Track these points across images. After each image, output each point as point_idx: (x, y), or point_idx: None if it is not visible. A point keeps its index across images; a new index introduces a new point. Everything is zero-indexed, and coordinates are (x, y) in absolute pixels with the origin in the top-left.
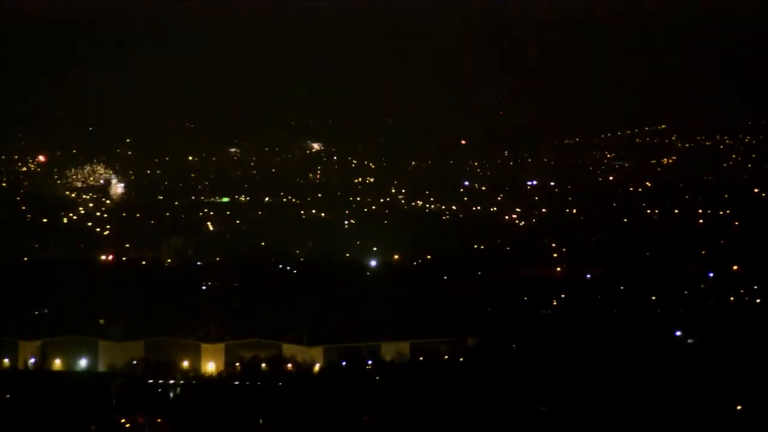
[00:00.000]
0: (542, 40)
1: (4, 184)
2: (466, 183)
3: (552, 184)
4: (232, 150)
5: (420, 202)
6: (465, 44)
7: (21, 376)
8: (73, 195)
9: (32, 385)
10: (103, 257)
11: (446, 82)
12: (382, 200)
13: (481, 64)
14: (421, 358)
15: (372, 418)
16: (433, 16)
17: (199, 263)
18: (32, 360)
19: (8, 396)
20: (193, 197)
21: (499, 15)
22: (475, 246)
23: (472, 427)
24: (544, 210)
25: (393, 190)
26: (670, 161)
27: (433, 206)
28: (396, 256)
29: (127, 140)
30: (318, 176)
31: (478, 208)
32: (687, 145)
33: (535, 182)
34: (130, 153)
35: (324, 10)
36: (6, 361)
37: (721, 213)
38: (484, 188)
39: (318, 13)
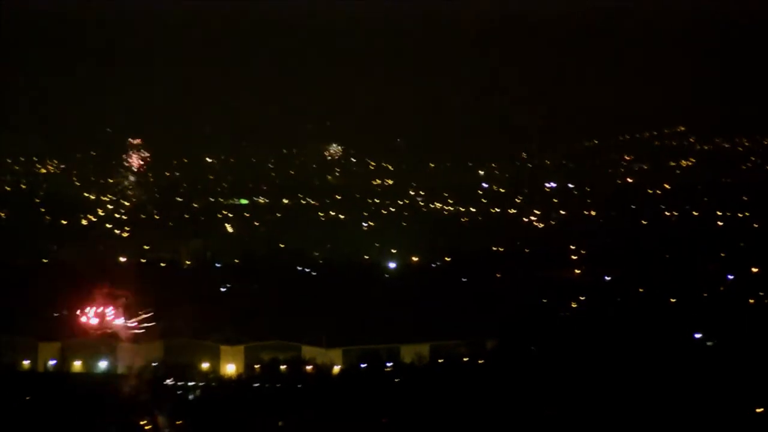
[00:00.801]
0: (560, 41)
1: (23, 186)
2: (485, 185)
3: (570, 186)
4: (251, 152)
5: (438, 204)
6: (484, 46)
7: (40, 377)
8: (92, 197)
9: (51, 386)
10: (122, 259)
11: (465, 84)
12: (400, 202)
13: (499, 65)
14: (440, 360)
15: (391, 420)
16: (451, 18)
17: (217, 265)
18: (52, 362)
19: (28, 397)
20: (211, 199)
21: (517, 15)
22: (494, 248)
23: (491, 429)
24: (562, 212)
25: (411, 192)
26: (689, 163)
27: (451, 208)
28: (414, 258)
29: (145, 142)
30: (336, 178)
31: (497, 209)
32: (705, 147)
33: (553, 184)
34: (148, 155)
35: (344, 11)
36: (25, 362)
37: (740, 215)
38: (502, 190)
39: (339, 15)
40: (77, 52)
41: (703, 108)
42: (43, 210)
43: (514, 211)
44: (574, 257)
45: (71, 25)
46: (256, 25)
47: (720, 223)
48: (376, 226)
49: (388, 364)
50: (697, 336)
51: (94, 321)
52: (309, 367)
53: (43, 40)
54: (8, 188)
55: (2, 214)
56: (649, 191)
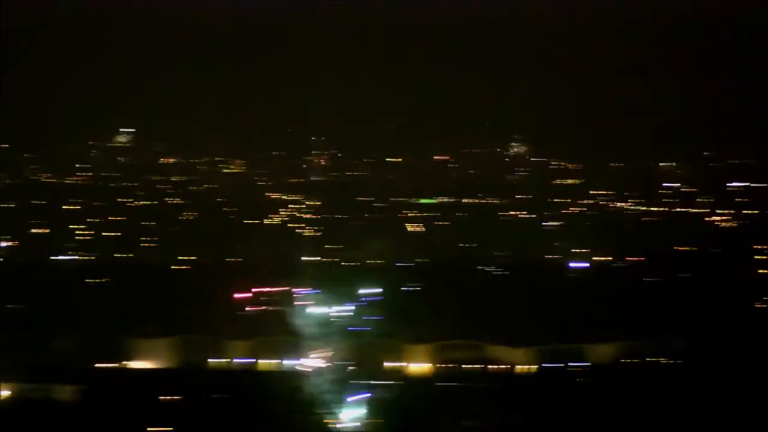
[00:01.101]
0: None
1: (206, 186)
2: (668, 184)
3: (756, 185)
4: (433, 151)
5: (622, 204)
6: (676, 45)
7: (230, 375)
8: (276, 197)
9: (241, 384)
10: (306, 258)
11: (653, 83)
12: (583, 201)
13: (693, 63)
14: (627, 360)
15: (577, 419)
16: (648, 19)
17: (399, 264)
18: (242, 360)
19: (219, 395)
20: (393, 199)
21: (720, 11)
22: (679, 247)
23: (679, 429)
24: (748, 211)
25: (594, 191)
26: None
27: (635, 207)
28: (598, 258)
29: (328, 141)
30: (518, 177)
31: (681, 209)
32: None
33: (740, 183)
34: (333, 154)
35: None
36: (216, 361)
37: None
38: (686, 189)
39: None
40: (264, 51)
41: None
42: (225, 210)
43: (698, 210)
44: (761, 257)
45: (256, 23)
46: (441, 26)
47: None
48: (559, 225)
49: (574, 364)
50: None
51: (281, 318)
52: (494, 367)
53: (230, 38)
54: (194, 188)
55: (189, 215)
56: None
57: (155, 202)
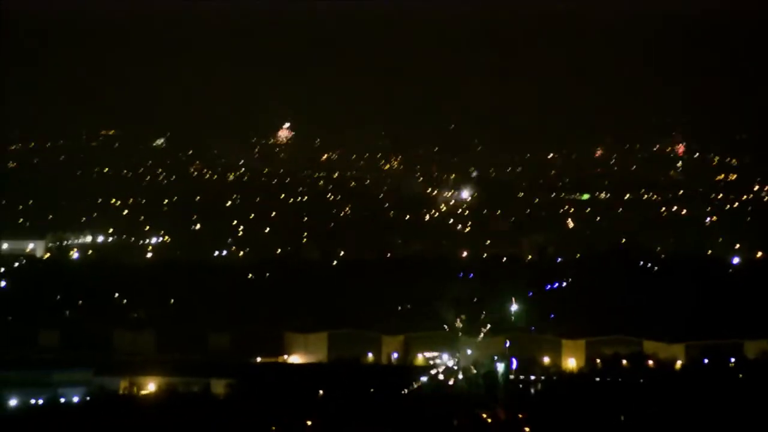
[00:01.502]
0: None
1: (368, 182)
2: None
3: None
4: (592, 147)
5: None
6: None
7: (383, 370)
8: (434, 192)
9: (394, 378)
10: (464, 254)
11: None
12: (744, 197)
13: None
14: None
15: (729, 416)
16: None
17: (559, 259)
18: (395, 354)
19: (372, 390)
20: (553, 194)
21: None
22: None
23: None
24: None
25: (756, 187)
26: None
27: None
28: (758, 254)
29: (487, 138)
30: (679, 173)
31: None
32: None
33: None
34: (490, 150)
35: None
36: (370, 355)
37: None
38: None
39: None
40: (420, 48)
41: None
42: (386, 205)
43: None
44: None
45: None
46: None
47: None
48: (720, 221)
49: (732, 360)
50: None
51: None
52: (651, 362)
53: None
54: (353, 184)
55: (348, 210)
56: None
57: (314, 198)
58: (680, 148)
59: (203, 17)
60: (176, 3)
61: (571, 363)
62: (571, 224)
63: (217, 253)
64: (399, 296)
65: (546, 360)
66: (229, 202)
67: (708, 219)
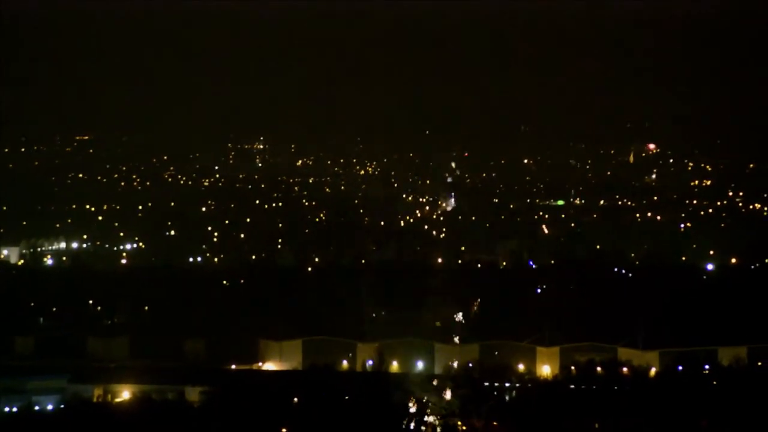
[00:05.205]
0: None
1: (343, 187)
2: None
3: None
4: (567, 153)
5: (758, 205)
6: None
7: (358, 377)
8: (409, 198)
9: (368, 386)
10: (439, 260)
11: None
12: (719, 203)
13: None
14: (759, 363)
15: (710, 423)
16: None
17: (533, 266)
18: (369, 362)
19: (347, 397)
20: (528, 200)
21: None
22: None
23: None
24: None
25: (730, 193)
26: None
27: None
28: (733, 260)
29: (462, 143)
30: (653, 179)
31: None
32: None
33: None
34: (465, 156)
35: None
36: (345, 362)
37: None
38: None
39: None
40: (400, 53)
41: None
42: (361, 211)
43: None
44: None
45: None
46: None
47: None
48: (694, 227)
49: (706, 367)
50: None
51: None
52: (625, 369)
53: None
54: (328, 190)
55: (322, 216)
56: None
57: (288, 204)
58: (652, 151)
59: (178, 23)
60: (151, 7)
61: (545, 370)
62: (546, 230)
63: (191, 259)
64: (374, 303)
65: (521, 367)
66: (204, 208)
67: (682, 225)
